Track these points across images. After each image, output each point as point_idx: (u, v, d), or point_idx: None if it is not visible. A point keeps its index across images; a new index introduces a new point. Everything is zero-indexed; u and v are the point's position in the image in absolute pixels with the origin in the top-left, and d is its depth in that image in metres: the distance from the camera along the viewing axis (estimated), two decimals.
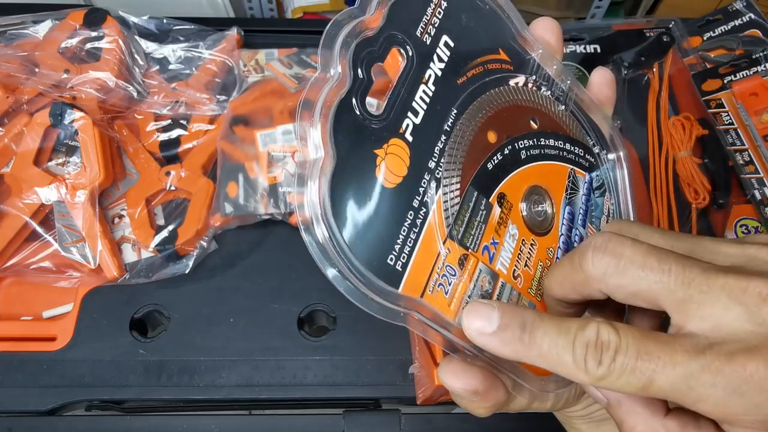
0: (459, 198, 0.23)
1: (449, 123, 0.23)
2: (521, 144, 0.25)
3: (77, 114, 0.45)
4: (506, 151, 0.25)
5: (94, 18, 0.51)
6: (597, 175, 0.28)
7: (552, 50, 0.27)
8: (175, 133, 0.50)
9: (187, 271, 0.46)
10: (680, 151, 0.53)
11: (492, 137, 0.25)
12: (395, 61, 0.22)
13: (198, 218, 0.46)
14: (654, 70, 0.58)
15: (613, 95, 0.29)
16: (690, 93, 0.56)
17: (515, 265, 0.24)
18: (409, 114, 0.22)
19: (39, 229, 0.45)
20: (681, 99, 0.57)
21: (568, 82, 0.28)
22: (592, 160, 0.28)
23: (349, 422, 0.42)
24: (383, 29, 0.22)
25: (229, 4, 0.71)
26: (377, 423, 0.42)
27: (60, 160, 0.46)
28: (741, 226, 0.50)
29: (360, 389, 0.43)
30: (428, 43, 0.23)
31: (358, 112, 0.21)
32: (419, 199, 0.22)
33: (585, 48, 0.60)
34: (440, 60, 0.23)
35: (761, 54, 0.54)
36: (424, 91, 0.23)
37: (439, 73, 0.23)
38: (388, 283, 0.20)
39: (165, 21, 0.55)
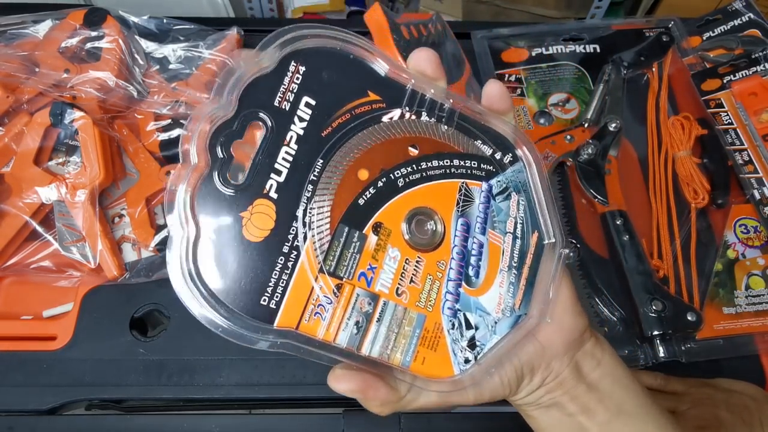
0: (329, 236, 0.26)
1: (315, 173, 0.26)
2: (397, 173, 0.27)
3: (77, 113, 0.45)
4: (380, 184, 0.27)
5: (94, 18, 0.51)
6: (498, 181, 0.29)
7: (428, 77, 0.28)
8: (175, 133, 0.50)
9: None
10: (680, 151, 0.53)
11: (363, 175, 0.27)
12: (252, 135, 0.26)
13: None
14: (653, 69, 0.58)
15: (507, 107, 0.30)
16: (689, 93, 0.56)
17: (399, 284, 0.27)
18: (272, 175, 0.25)
19: (39, 229, 0.45)
20: (680, 99, 0.57)
21: (451, 100, 0.28)
22: (490, 168, 0.29)
23: (349, 421, 0.42)
24: (238, 111, 0.25)
25: (229, 4, 0.71)
26: (377, 422, 0.42)
27: (60, 160, 0.46)
28: (740, 225, 0.50)
29: None
30: (287, 109, 0.26)
31: (219, 187, 0.24)
32: (289, 245, 0.25)
33: (585, 48, 0.60)
34: (301, 120, 0.26)
35: (760, 54, 0.54)
36: (286, 152, 0.25)
37: (302, 132, 0.26)
38: (263, 321, 0.24)
39: (165, 21, 0.55)
